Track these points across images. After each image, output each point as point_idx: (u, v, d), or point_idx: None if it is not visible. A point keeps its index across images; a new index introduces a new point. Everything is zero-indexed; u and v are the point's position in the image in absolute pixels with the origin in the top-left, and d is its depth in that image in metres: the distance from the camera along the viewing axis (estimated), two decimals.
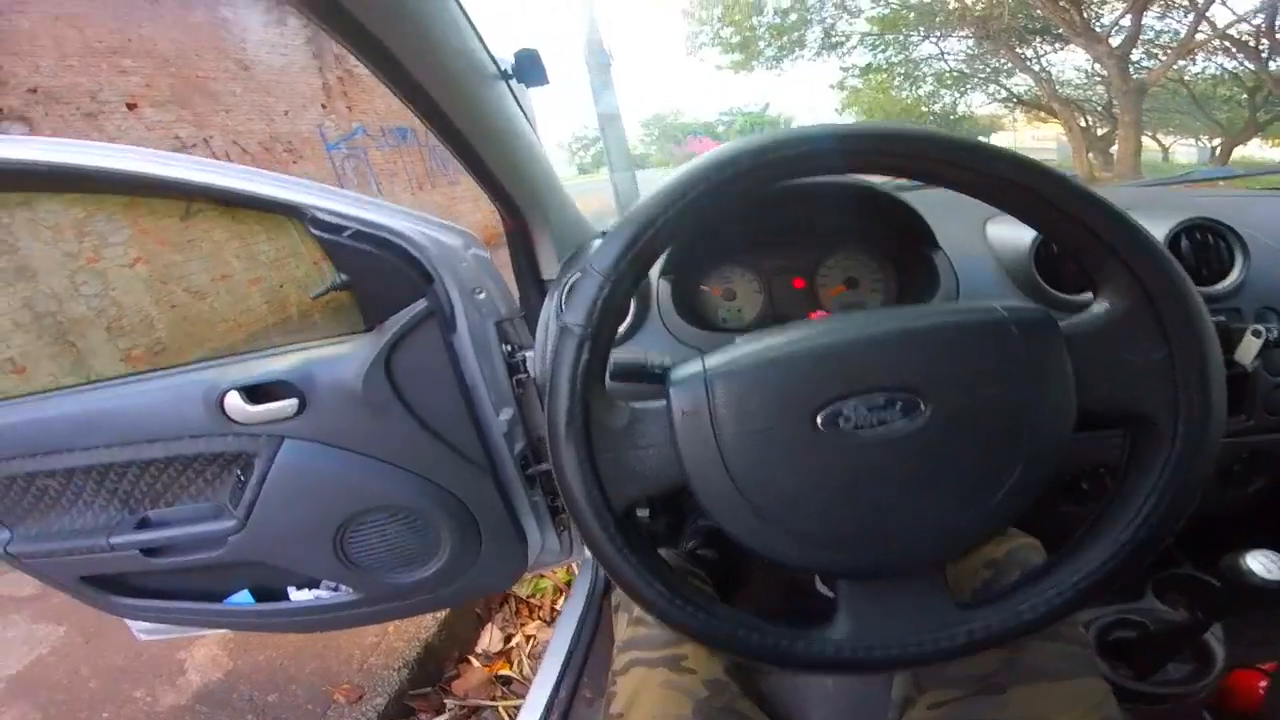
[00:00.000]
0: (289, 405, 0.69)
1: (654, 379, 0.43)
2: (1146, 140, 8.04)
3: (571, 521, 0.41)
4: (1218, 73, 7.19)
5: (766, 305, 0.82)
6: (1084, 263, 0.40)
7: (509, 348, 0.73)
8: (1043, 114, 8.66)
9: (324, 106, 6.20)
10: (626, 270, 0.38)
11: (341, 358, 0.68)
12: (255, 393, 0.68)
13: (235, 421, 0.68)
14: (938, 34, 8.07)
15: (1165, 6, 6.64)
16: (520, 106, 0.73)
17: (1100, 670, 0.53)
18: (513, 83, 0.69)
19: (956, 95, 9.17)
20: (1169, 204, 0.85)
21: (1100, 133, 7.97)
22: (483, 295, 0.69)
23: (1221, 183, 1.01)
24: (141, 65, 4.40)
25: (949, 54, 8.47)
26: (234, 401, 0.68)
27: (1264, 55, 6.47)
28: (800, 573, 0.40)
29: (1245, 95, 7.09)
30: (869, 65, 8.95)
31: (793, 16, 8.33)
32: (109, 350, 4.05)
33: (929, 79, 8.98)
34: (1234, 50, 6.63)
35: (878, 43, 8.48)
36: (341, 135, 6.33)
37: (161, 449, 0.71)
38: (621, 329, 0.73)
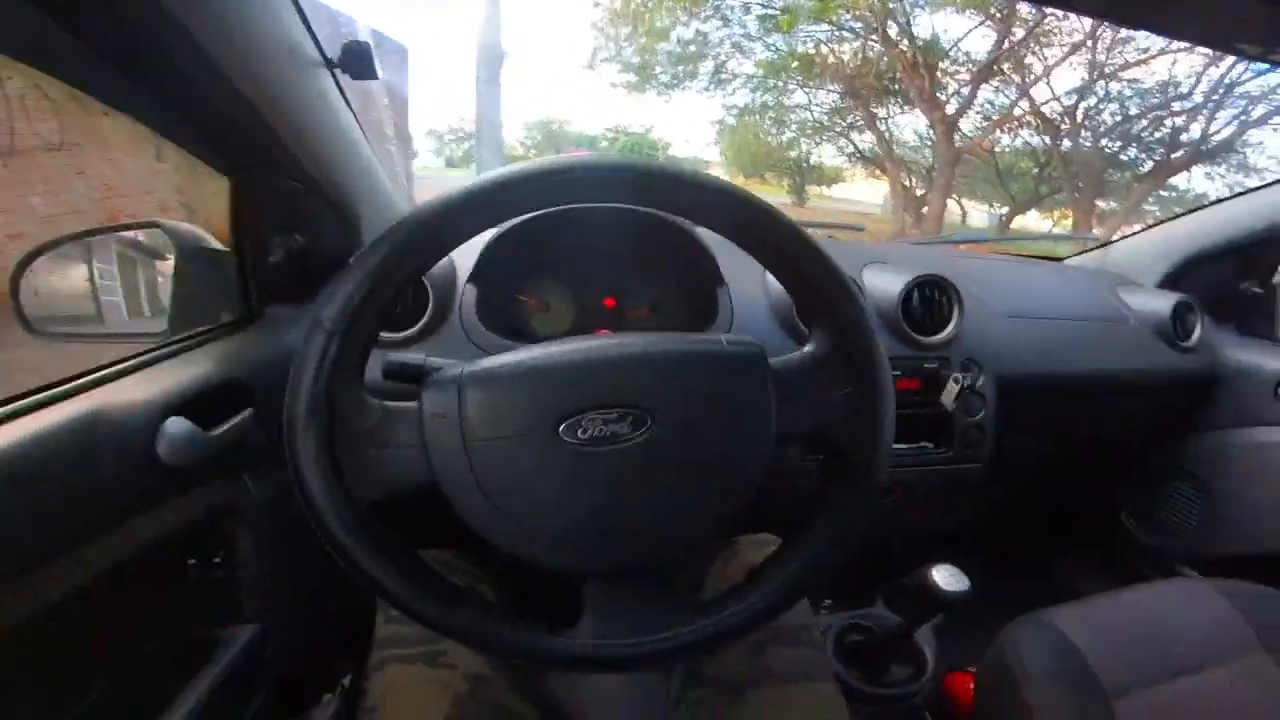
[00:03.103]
0: (246, 419, 0.61)
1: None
2: (952, 204, 9.53)
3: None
4: (1023, 147, 8.56)
5: (577, 320, 0.85)
6: (802, 305, 0.47)
7: None
8: (878, 171, 9.94)
9: None
10: (390, 271, 0.39)
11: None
12: (193, 411, 0.55)
13: (182, 469, 0.53)
14: (812, 85, 8.85)
15: (1001, 81, 7.78)
16: (344, 97, 0.68)
17: (833, 675, 0.59)
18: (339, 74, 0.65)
19: (812, 145, 10.19)
20: (923, 261, 0.99)
21: (919, 193, 9.30)
22: None
23: (965, 246, 1.21)
24: None
25: (816, 105, 9.37)
26: (178, 430, 0.52)
27: (1062, 132, 7.78)
28: (549, 573, 0.44)
29: (1036, 170, 8.64)
30: (746, 106, 9.59)
31: (692, 48, 8.65)
32: None
33: (793, 126, 9.84)
34: (1041, 127, 7.92)
35: (759, 86, 9.09)
36: None
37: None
38: (413, 330, 0.72)
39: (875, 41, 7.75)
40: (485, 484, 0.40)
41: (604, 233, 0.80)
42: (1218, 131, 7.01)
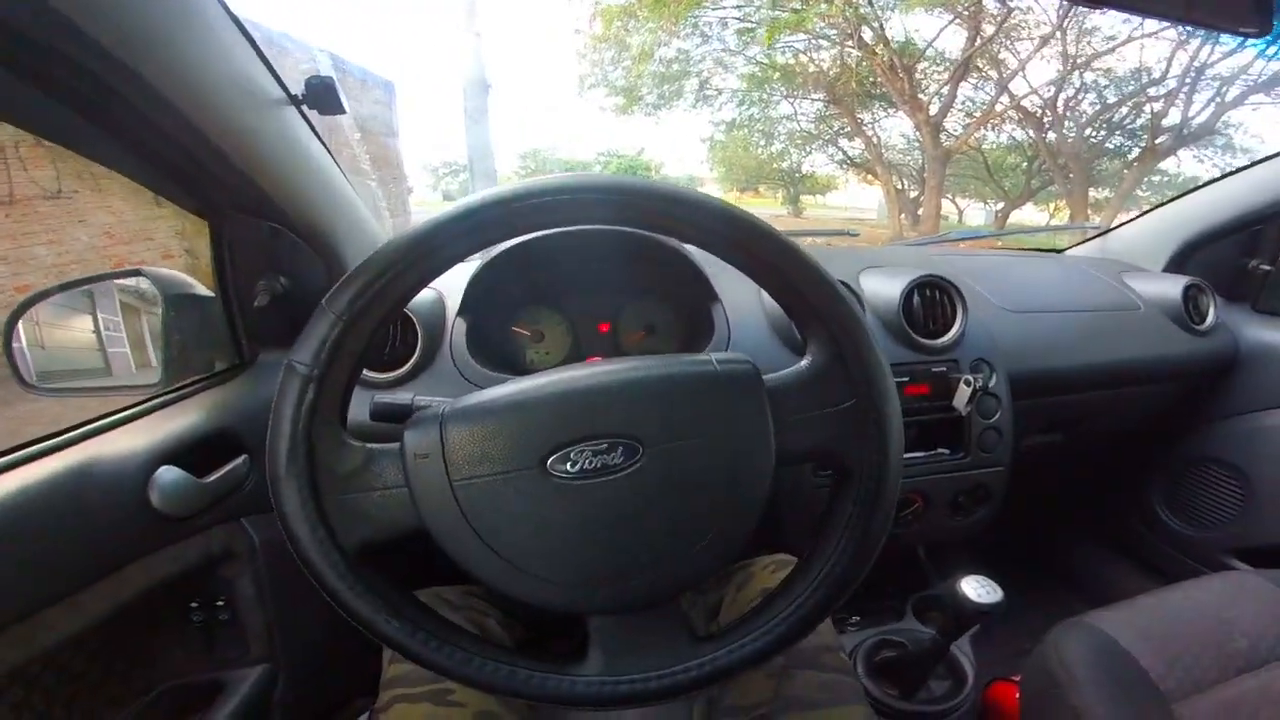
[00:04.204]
0: (240, 465, 0.63)
1: None
2: (946, 203, 9.61)
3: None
4: (1009, 142, 8.68)
5: (573, 347, 0.84)
6: (795, 317, 0.44)
7: None
8: (869, 176, 10.02)
9: None
10: (363, 311, 0.37)
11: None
12: (187, 460, 0.57)
13: (177, 517, 0.55)
14: (796, 94, 9.07)
15: (980, 78, 7.93)
16: (315, 133, 0.68)
17: (864, 697, 0.56)
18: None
19: (802, 155, 10.35)
20: (920, 262, 0.98)
21: (913, 195, 9.37)
22: None
23: (963, 244, 1.19)
24: None
25: (802, 114, 9.59)
26: (170, 479, 0.55)
27: (1046, 125, 7.85)
28: (551, 612, 0.42)
29: (1025, 164, 8.66)
30: (733, 121, 9.81)
31: (675, 67, 8.92)
32: None
33: (782, 137, 10.06)
34: (1024, 120, 8.00)
35: (744, 99, 9.32)
36: None
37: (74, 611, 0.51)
38: (404, 369, 0.71)
39: (852, 47, 7.90)
40: (475, 524, 0.39)
41: (595, 256, 0.79)
42: (1197, 115, 7.09)
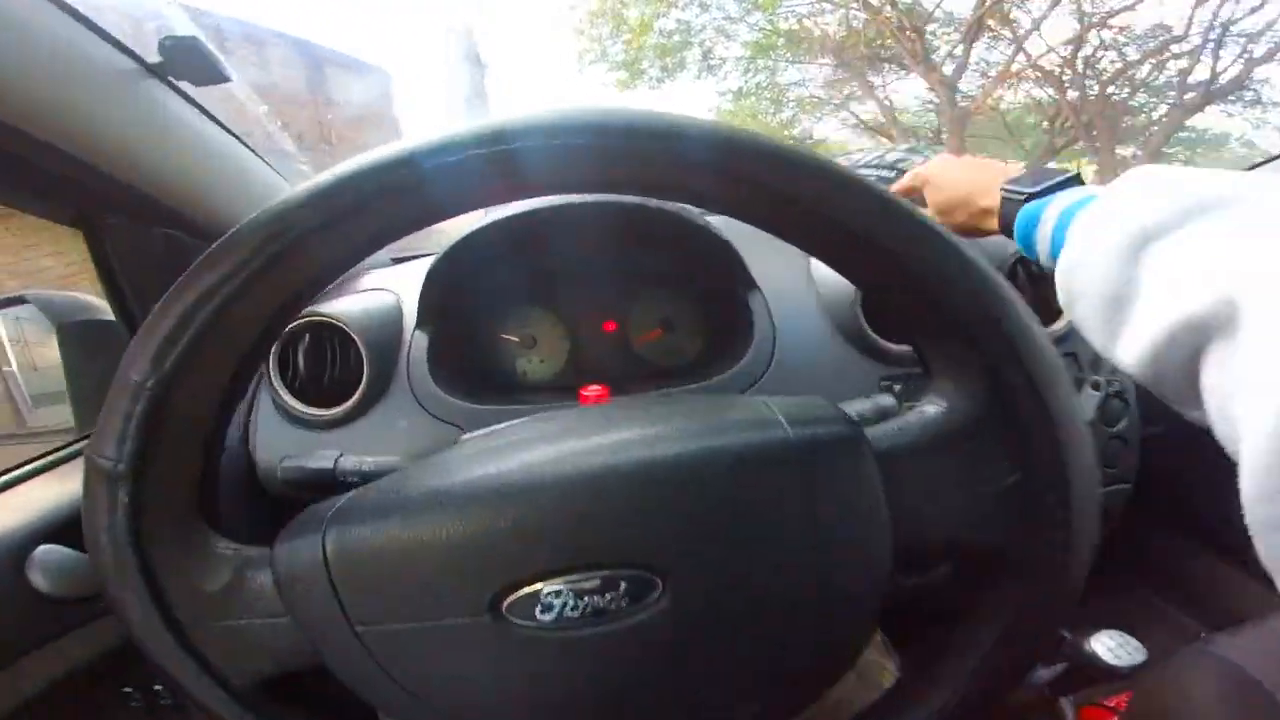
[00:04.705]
0: None
1: (347, 489, 0.30)
2: None
3: None
4: (1028, 101, 8.38)
5: (573, 353, 0.68)
6: (910, 329, 0.28)
7: None
8: (884, 140, 9.70)
9: None
10: (187, 359, 0.23)
11: None
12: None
13: (73, 599, 0.46)
14: (803, 60, 8.85)
15: (993, 38, 7.67)
16: (203, 109, 0.55)
17: None
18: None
19: (813, 121, 10.06)
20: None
21: None
22: None
23: None
24: None
25: (810, 80, 9.33)
26: (53, 559, 0.46)
27: (1065, 84, 7.59)
28: None
29: (1047, 123, 8.37)
30: (740, 90, 9.55)
31: (676, 38, 8.75)
32: None
33: (791, 103, 9.78)
34: (1043, 80, 7.72)
35: (749, 67, 9.11)
36: None
37: None
38: (349, 404, 0.54)
39: (858, 10, 7.66)
40: (399, 677, 0.25)
41: (591, 237, 0.63)
42: (1225, 70, 6.81)
